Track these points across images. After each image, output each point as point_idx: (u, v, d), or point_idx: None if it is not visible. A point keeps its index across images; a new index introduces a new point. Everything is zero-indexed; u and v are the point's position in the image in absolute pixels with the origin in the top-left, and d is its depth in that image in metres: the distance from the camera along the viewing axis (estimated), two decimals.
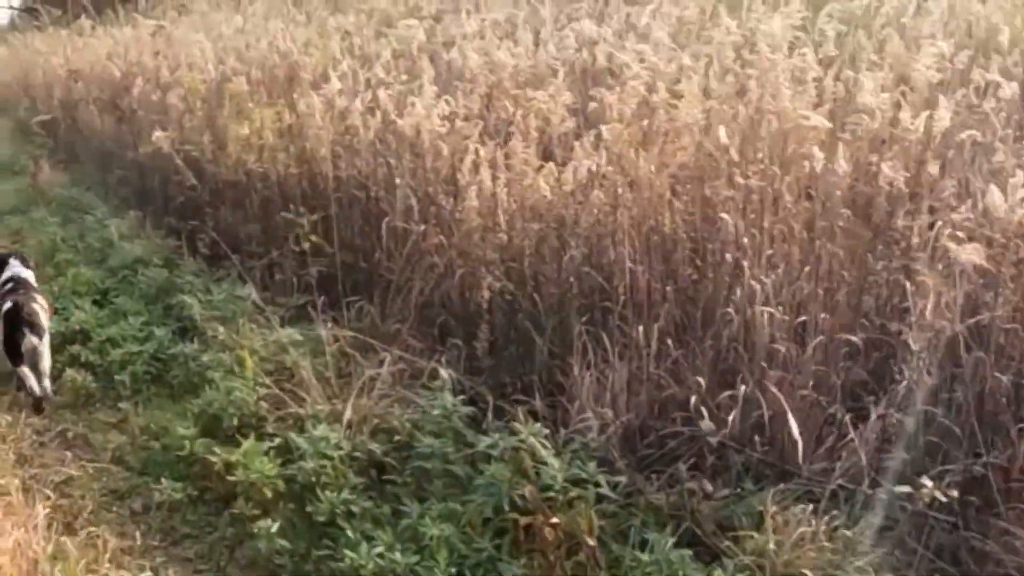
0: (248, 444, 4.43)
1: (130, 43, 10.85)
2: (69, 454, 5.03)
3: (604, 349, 4.54)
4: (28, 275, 6.11)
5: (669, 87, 4.88)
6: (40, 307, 5.61)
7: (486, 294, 4.70)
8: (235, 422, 4.81)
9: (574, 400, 4.45)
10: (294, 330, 5.52)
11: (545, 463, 3.84)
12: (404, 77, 6.74)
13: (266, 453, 4.39)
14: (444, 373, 4.80)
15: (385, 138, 5.97)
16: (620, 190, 4.87)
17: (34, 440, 5.20)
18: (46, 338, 5.51)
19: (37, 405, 5.39)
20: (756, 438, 3.99)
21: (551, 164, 4.97)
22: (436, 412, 4.37)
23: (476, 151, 5.24)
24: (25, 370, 5.37)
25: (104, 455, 5.00)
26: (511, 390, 4.84)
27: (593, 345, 4.59)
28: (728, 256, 4.47)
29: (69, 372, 5.67)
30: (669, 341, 4.47)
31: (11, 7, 39.08)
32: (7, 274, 6.05)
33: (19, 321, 5.41)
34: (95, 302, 6.74)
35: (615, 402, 4.41)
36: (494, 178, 5.04)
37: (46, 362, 5.48)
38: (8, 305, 5.53)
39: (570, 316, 4.88)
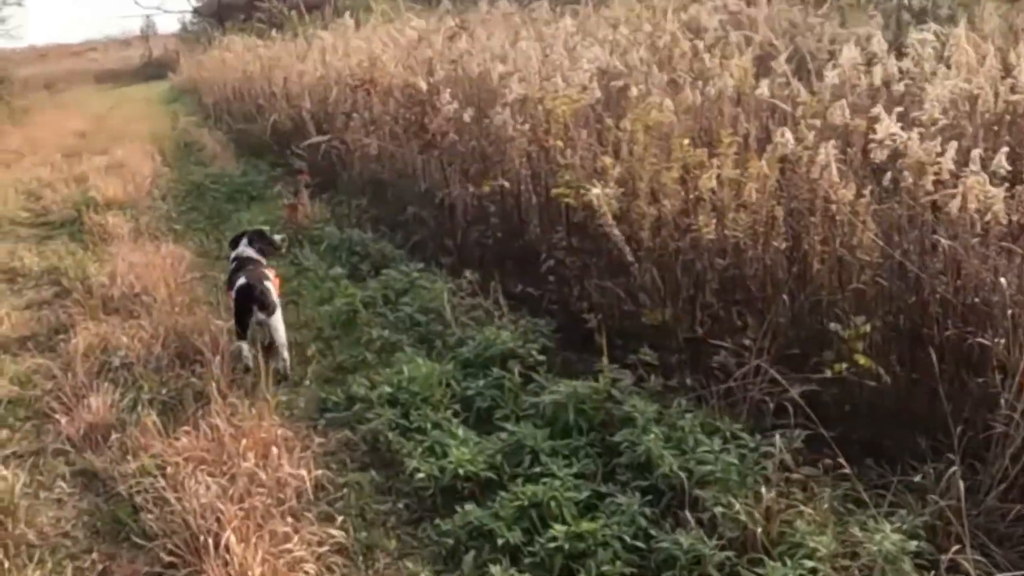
0: None
1: (409, 47, 8.74)
2: None
3: None
4: (252, 253, 5.81)
5: None
6: (271, 283, 5.46)
7: None
8: None
9: None
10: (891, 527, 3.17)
11: None
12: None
13: None
14: None
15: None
16: None
17: None
18: (278, 313, 5.35)
19: (278, 377, 5.16)
20: None
21: None
22: None
23: None
24: (244, 345, 5.26)
25: None
26: None
27: None
28: None
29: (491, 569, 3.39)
30: None
31: (193, 9, 38.68)
32: (234, 253, 5.87)
33: (251, 299, 5.26)
34: (463, 421, 4.49)
35: None
36: None
37: (280, 335, 5.33)
38: (241, 282, 5.38)
39: None
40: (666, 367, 4.77)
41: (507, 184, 5.95)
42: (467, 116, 6.95)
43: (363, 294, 6.14)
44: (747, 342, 4.60)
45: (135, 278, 6.78)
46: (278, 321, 5.31)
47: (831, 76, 5.51)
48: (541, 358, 4.88)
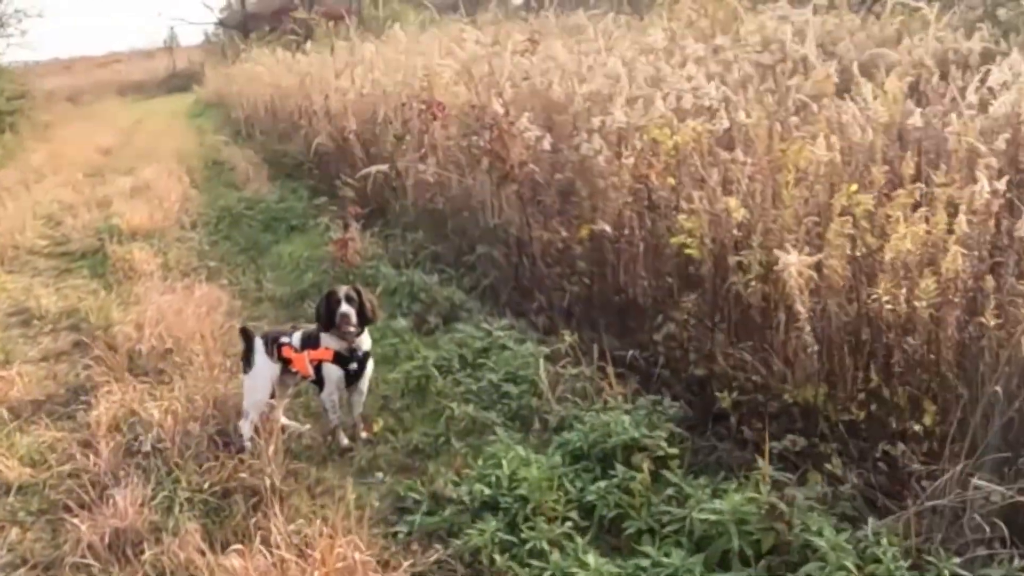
0: None
1: (470, 62, 7.85)
2: None
3: None
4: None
5: None
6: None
7: None
8: None
9: None
10: None
11: None
12: None
13: None
14: None
15: None
16: None
17: None
18: (252, 372, 4.53)
19: None
20: None
21: None
22: None
23: None
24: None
25: None
26: None
27: None
28: None
29: None
30: None
31: (219, 21, 38.05)
32: None
33: None
34: (585, 535, 3.55)
35: None
36: None
37: (245, 401, 4.53)
38: None
39: None
40: (815, 457, 3.87)
41: (609, 228, 5.01)
42: (547, 144, 6.03)
43: (435, 355, 5.20)
44: (917, 427, 3.73)
45: (165, 330, 5.87)
46: (245, 382, 4.57)
47: (998, 105, 4.64)
48: (672, 451, 3.93)
